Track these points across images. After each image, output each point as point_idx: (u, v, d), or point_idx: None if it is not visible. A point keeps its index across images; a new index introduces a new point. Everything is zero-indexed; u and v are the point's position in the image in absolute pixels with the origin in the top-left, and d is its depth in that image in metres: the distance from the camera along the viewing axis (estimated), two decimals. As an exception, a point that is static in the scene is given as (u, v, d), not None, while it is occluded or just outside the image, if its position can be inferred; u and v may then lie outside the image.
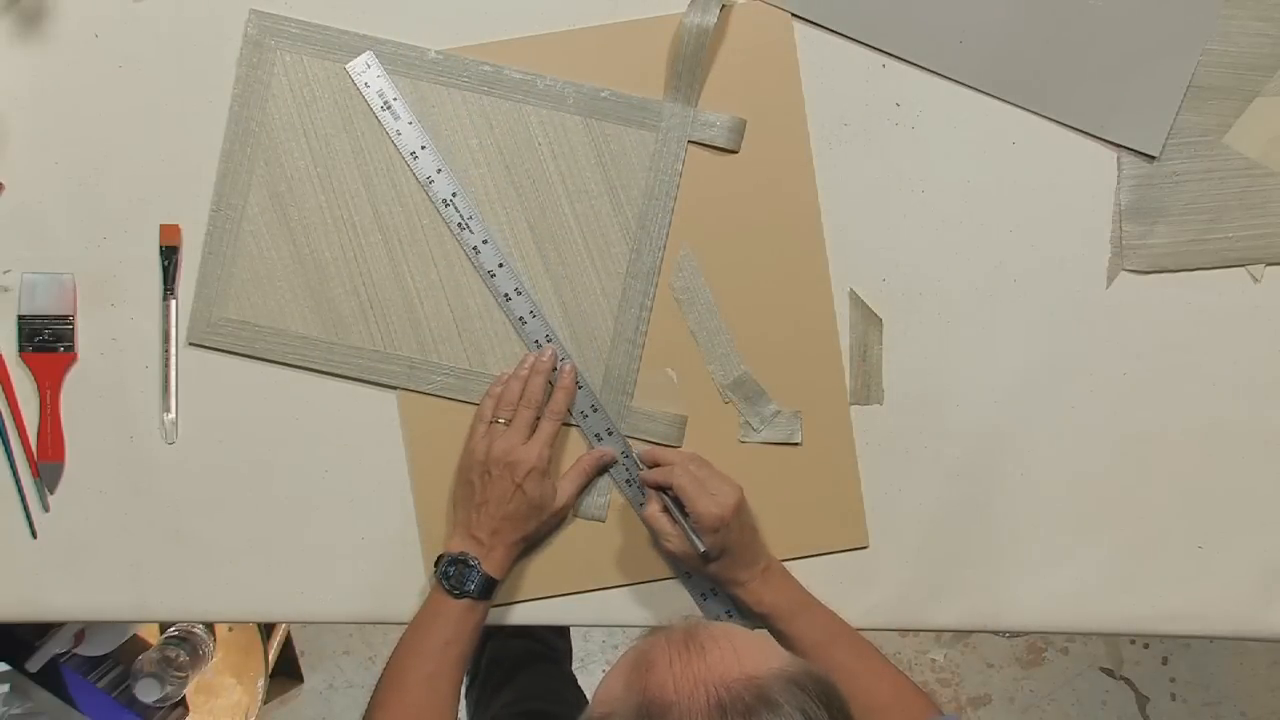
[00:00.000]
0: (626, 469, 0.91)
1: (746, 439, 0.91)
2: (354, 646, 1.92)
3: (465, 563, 0.84)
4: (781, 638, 0.85)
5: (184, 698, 1.46)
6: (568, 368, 0.89)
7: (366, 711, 0.82)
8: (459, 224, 0.88)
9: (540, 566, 0.92)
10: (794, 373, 0.91)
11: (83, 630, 1.36)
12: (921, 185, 0.90)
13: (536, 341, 0.90)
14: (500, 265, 0.89)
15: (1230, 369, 0.91)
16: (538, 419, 0.88)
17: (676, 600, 0.92)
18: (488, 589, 0.85)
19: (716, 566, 0.85)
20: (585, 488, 0.90)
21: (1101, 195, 0.90)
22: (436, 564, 0.86)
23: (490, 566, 0.85)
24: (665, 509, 0.86)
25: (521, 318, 0.89)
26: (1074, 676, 1.92)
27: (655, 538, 0.87)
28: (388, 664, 0.84)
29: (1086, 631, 0.94)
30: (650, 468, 0.88)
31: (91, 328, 0.91)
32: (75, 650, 1.37)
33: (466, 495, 0.87)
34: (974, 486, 0.92)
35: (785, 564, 0.90)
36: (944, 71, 0.89)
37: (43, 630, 1.33)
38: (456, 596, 0.84)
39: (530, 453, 0.85)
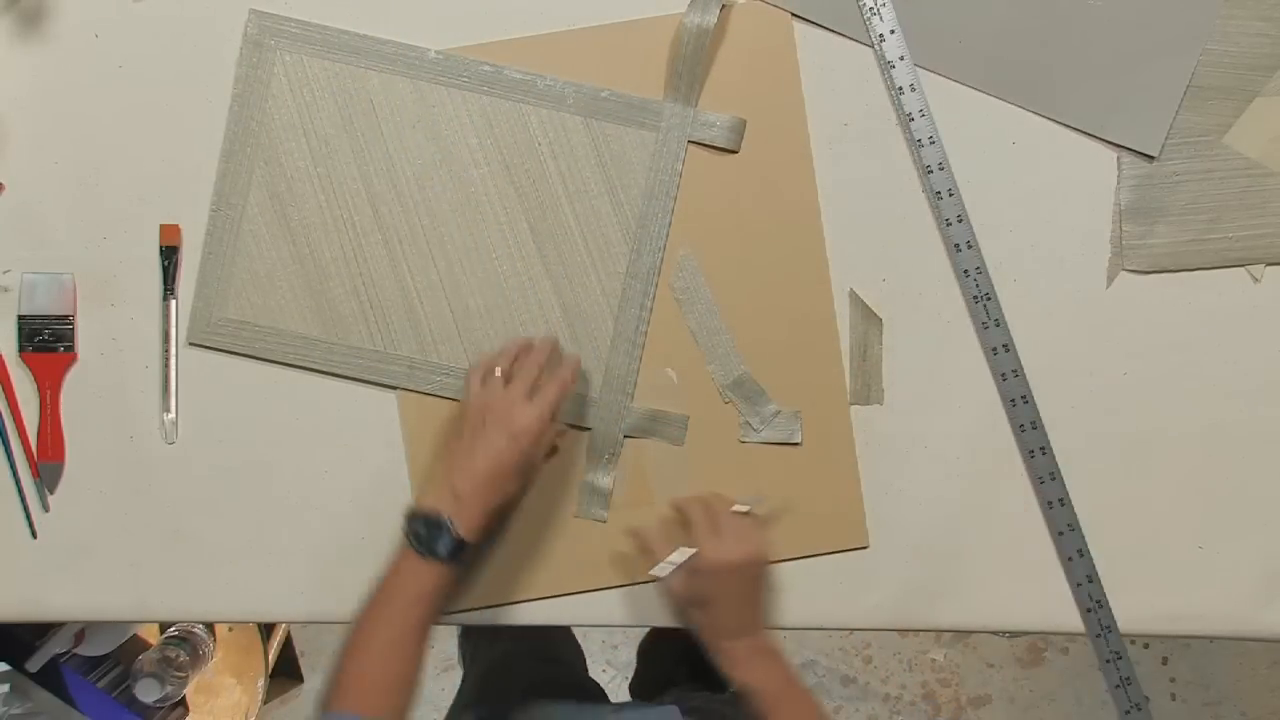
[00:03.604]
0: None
1: (746, 439, 0.91)
2: (354, 646, 1.92)
3: (437, 522, 0.78)
4: (761, 717, 0.81)
5: (184, 698, 1.46)
6: (575, 352, 0.88)
7: (328, 682, 0.76)
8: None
9: (540, 567, 0.92)
10: (794, 373, 0.91)
11: (83, 630, 1.36)
12: (921, 185, 0.90)
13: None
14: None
15: (1230, 369, 0.91)
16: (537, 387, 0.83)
17: (676, 600, 0.92)
18: (457, 552, 0.79)
19: (697, 615, 0.83)
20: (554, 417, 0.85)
21: (1101, 195, 0.90)
22: (406, 519, 0.80)
23: (463, 527, 0.79)
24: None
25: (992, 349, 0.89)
26: (1074, 676, 1.92)
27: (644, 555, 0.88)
28: (350, 630, 0.78)
29: (1086, 631, 0.94)
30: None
31: (91, 328, 0.91)
32: (75, 650, 1.37)
33: (452, 451, 0.82)
34: (974, 486, 0.92)
35: (786, 563, 0.90)
36: (944, 71, 0.89)
37: (43, 630, 1.33)
38: (424, 557, 0.78)
39: (530, 413, 0.80)
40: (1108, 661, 0.91)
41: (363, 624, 0.78)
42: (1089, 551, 0.91)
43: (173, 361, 0.91)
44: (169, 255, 0.90)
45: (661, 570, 0.84)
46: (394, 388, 0.91)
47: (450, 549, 0.78)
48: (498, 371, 0.83)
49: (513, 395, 0.81)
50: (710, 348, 0.91)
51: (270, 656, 1.58)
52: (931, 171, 0.89)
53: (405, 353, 0.91)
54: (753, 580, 0.83)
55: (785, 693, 0.82)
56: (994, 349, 0.90)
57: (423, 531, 0.79)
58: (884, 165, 0.90)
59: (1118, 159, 0.90)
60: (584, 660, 1.42)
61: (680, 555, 0.83)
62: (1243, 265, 0.90)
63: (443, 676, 1.84)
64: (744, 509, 0.86)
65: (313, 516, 0.92)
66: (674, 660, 1.30)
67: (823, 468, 0.91)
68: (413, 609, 0.78)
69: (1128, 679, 0.91)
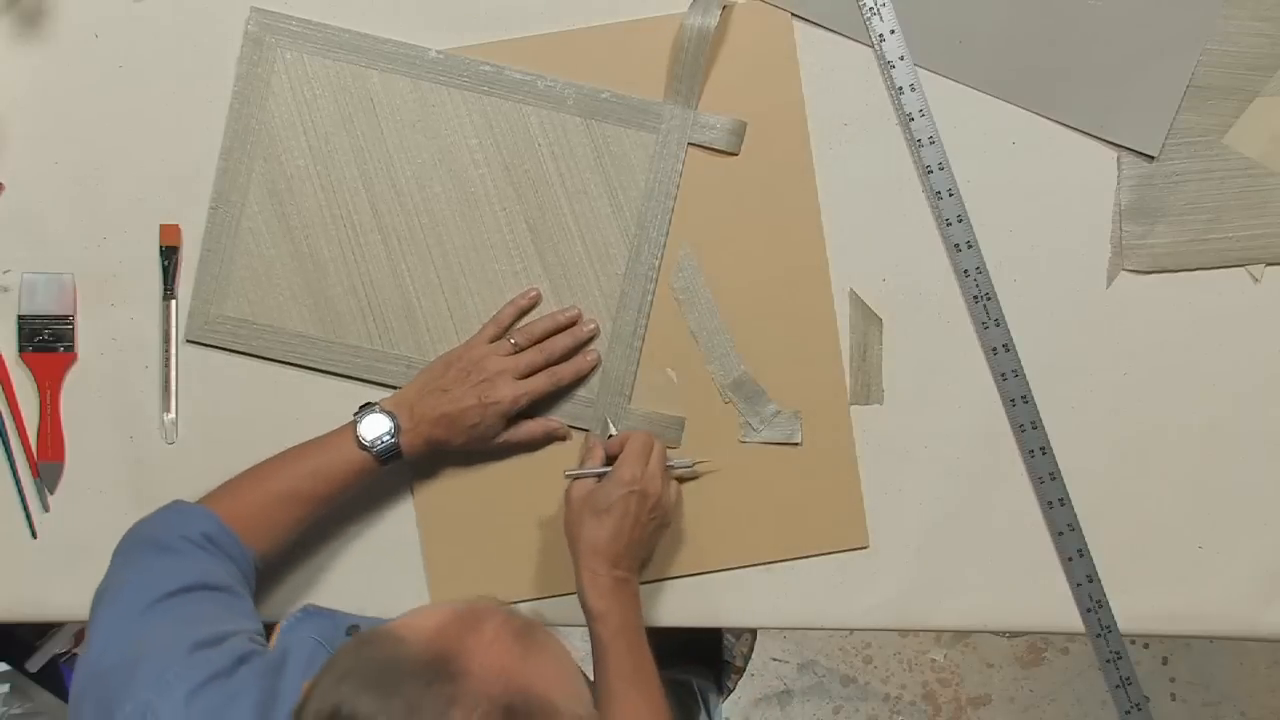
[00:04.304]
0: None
1: (746, 439, 0.91)
2: (354, 646, 1.92)
3: (391, 420, 0.83)
4: (596, 643, 0.82)
5: (184, 698, 1.46)
6: (592, 357, 0.89)
7: (209, 494, 0.82)
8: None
9: (539, 567, 0.92)
10: (794, 373, 0.91)
11: (83, 630, 1.36)
12: (921, 185, 0.90)
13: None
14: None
15: (1230, 369, 0.91)
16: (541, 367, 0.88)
17: (677, 600, 0.92)
18: (390, 457, 0.84)
19: (589, 523, 0.82)
20: (523, 443, 0.90)
21: (1101, 195, 0.90)
22: (363, 407, 0.85)
23: (405, 442, 0.84)
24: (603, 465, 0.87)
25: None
26: (1074, 676, 1.92)
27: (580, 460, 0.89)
28: (256, 466, 0.84)
29: (1086, 631, 0.94)
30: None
31: (91, 328, 0.91)
32: (75, 650, 1.37)
33: (435, 375, 0.86)
34: (974, 486, 0.92)
35: (786, 563, 0.90)
36: (944, 71, 0.89)
37: (43, 630, 1.33)
38: (360, 446, 0.83)
39: (508, 391, 0.85)
40: (1108, 661, 0.91)
41: (272, 467, 0.84)
42: (1089, 551, 0.91)
43: (173, 361, 0.91)
44: (169, 255, 0.90)
45: (576, 471, 0.87)
46: (392, 387, 0.91)
47: (385, 450, 0.83)
48: (513, 341, 0.87)
49: (506, 368, 0.86)
50: (710, 347, 0.91)
51: (270, 656, 1.58)
52: (931, 171, 0.89)
53: (403, 352, 0.91)
54: (649, 517, 0.83)
55: (630, 634, 0.82)
56: (994, 349, 0.90)
57: (373, 422, 0.84)
58: (884, 165, 0.90)
59: (1118, 159, 0.90)
60: None
61: (597, 468, 0.86)
62: (1243, 265, 0.90)
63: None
64: (674, 465, 0.89)
65: (312, 516, 0.92)
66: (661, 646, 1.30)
67: (823, 468, 0.91)
68: (320, 479, 0.83)
69: (1128, 679, 0.91)
